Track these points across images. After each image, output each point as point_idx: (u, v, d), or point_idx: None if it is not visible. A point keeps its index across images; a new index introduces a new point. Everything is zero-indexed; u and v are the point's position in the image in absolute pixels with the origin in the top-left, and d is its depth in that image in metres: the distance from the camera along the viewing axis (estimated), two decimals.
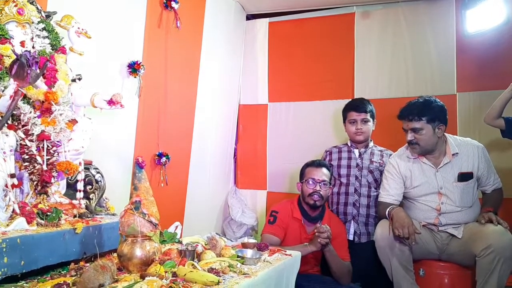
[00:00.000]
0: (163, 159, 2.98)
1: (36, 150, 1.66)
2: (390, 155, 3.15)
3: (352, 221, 3.16)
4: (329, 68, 4.06)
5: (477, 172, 2.71)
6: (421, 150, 2.74)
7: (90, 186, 2.05)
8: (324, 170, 2.87)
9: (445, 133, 2.78)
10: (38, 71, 1.53)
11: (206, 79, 3.58)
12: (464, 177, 2.69)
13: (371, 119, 3.23)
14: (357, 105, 3.23)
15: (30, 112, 1.64)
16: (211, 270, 1.61)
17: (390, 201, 2.82)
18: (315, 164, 2.92)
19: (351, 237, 3.11)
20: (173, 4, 2.96)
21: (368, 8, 3.96)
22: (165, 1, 2.96)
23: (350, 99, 3.54)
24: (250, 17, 4.42)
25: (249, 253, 1.94)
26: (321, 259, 2.87)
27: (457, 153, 2.72)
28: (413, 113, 2.70)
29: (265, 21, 4.36)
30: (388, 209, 2.69)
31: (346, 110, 3.32)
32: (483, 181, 2.74)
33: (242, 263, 1.81)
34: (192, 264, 1.64)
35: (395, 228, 2.52)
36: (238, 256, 1.87)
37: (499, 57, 3.44)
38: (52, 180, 1.73)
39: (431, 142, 2.71)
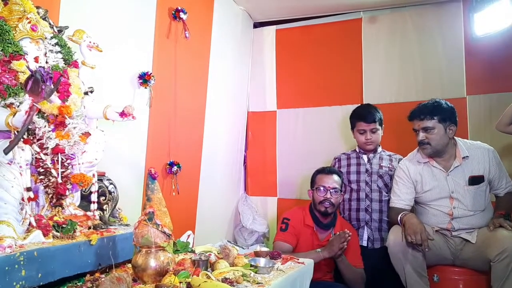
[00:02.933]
0: (175, 168, 3.00)
1: (51, 163, 1.68)
2: (399, 159, 3.15)
3: (365, 227, 3.15)
4: (337, 73, 4.07)
5: (488, 175, 2.69)
6: (432, 150, 2.73)
7: (104, 197, 2.07)
8: (335, 177, 2.87)
9: (455, 137, 2.77)
10: (52, 86, 1.55)
11: (215, 87, 3.60)
12: (475, 180, 2.68)
13: (380, 127, 3.22)
14: (365, 115, 3.21)
15: (45, 126, 1.66)
16: (225, 280, 1.62)
17: (402, 206, 2.82)
18: (326, 171, 2.92)
19: (364, 243, 3.11)
20: (182, 15, 2.99)
21: (375, 13, 3.97)
22: (173, 12, 2.99)
23: (358, 105, 3.54)
24: (257, 25, 4.45)
25: (262, 262, 1.94)
26: (334, 266, 2.86)
27: (467, 156, 2.71)
28: (425, 113, 2.71)
29: (272, 28, 4.39)
30: (400, 215, 2.68)
31: (354, 118, 3.30)
32: (495, 184, 2.73)
33: (256, 272, 1.82)
34: (206, 274, 1.65)
35: (407, 234, 2.51)
36: (251, 265, 1.88)
37: (509, 59, 3.43)
38: (67, 193, 1.75)
39: (442, 142, 2.70)
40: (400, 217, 2.67)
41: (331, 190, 2.81)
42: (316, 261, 2.49)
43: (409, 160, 2.91)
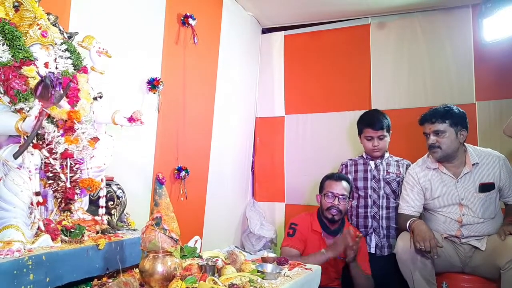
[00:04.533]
0: (183, 173, 3.00)
1: (60, 168, 1.69)
2: (407, 164, 3.14)
3: (373, 234, 3.13)
4: (346, 79, 4.07)
5: (498, 182, 2.67)
6: (442, 154, 2.70)
7: (112, 202, 2.07)
8: (344, 183, 2.86)
9: (465, 143, 2.75)
10: (61, 91, 1.57)
11: (223, 92, 3.62)
12: (485, 187, 2.65)
13: (387, 134, 3.20)
14: (373, 122, 3.19)
15: (54, 131, 1.68)
16: (232, 286, 1.61)
17: (410, 213, 2.79)
18: (335, 177, 2.90)
19: (372, 250, 3.08)
20: (190, 21, 3.01)
21: (384, 19, 3.96)
22: (182, 18, 3.01)
23: (365, 111, 3.53)
24: (265, 30, 4.47)
25: (269, 267, 1.93)
26: (342, 273, 2.85)
27: (477, 163, 2.68)
28: (436, 116, 2.69)
29: (281, 34, 4.40)
30: (408, 222, 2.66)
31: (362, 124, 3.28)
32: (505, 192, 2.70)
33: (263, 278, 1.81)
34: (213, 280, 1.65)
35: (416, 241, 2.48)
36: (258, 271, 1.87)
37: None
38: (76, 197, 1.76)
39: (453, 147, 2.68)
40: (409, 224, 2.65)
41: (339, 197, 2.80)
42: (322, 261, 2.50)
43: (419, 166, 2.88)
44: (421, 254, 2.52)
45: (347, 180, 2.91)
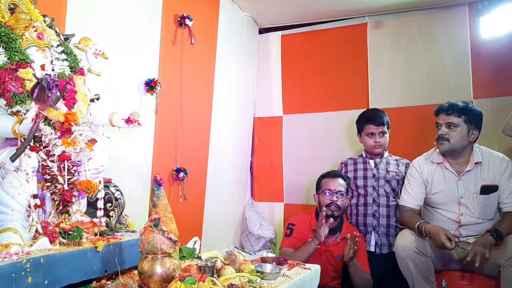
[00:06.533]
0: (181, 174, 3.00)
1: (57, 170, 1.68)
2: (406, 163, 3.14)
3: (372, 232, 3.13)
4: (343, 78, 4.07)
5: (499, 185, 2.66)
6: (449, 148, 2.69)
7: (110, 204, 2.07)
8: (340, 180, 2.87)
9: (474, 144, 2.75)
10: (58, 93, 1.56)
11: (221, 93, 3.62)
12: (487, 190, 2.64)
13: (387, 131, 3.21)
14: (374, 118, 3.20)
15: (51, 133, 1.67)
16: (231, 286, 1.61)
17: (413, 207, 2.81)
18: (331, 175, 2.92)
19: (372, 248, 3.08)
20: (187, 22, 3.01)
21: (380, 18, 3.96)
22: (179, 19, 3.00)
23: (363, 110, 3.54)
24: (262, 30, 4.47)
25: (268, 267, 1.94)
26: (341, 273, 2.85)
27: (480, 162, 2.68)
28: (454, 109, 2.70)
29: (278, 34, 4.40)
30: (417, 224, 2.63)
31: (362, 122, 3.29)
32: (502, 195, 2.66)
33: (262, 278, 1.81)
34: (212, 280, 1.64)
35: (437, 246, 2.48)
36: (257, 271, 1.87)
37: None
38: (73, 199, 1.75)
39: (462, 143, 2.68)
40: (418, 227, 2.63)
41: (337, 193, 2.81)
42: (311, 250, 2.62)
43: (425, 159, 2.89)
44: (420, 252, 2.53)
45: (343, 177, 2.93)
